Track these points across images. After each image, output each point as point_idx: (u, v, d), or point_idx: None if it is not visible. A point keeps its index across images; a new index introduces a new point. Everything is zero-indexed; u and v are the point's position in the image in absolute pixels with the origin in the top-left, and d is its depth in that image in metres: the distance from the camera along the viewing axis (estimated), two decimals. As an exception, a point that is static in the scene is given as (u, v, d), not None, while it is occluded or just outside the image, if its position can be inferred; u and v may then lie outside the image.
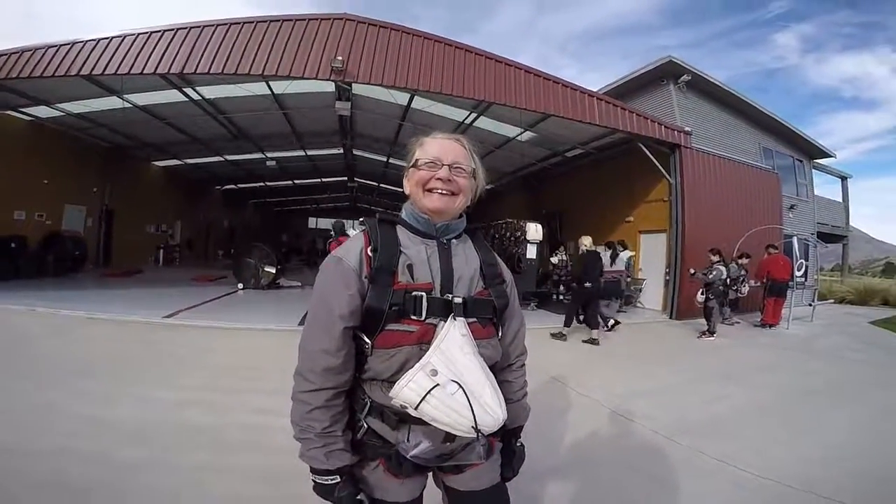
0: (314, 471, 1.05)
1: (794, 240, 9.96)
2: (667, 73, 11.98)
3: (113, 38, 7.38)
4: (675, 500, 2.53)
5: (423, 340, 1.02)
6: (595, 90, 10.00)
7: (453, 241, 1.16)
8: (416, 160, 1.14)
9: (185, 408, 3.45)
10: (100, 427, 3.01)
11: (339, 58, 7.52)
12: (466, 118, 10.99)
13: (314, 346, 1.04)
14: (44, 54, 7.38)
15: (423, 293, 1.03)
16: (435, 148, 1.14)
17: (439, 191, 1.10)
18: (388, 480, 1.09)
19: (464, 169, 1.13)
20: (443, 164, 1.11)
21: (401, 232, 1.12)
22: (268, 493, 2.39)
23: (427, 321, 1.03)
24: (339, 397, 1.06)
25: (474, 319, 1.09)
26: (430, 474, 1.21)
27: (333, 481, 1.04)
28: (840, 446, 3.39)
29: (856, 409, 4.35)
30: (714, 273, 7.79)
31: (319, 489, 1.06)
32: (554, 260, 12.03)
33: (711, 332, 7.70)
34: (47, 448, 2.67)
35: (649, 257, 10.98)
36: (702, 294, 7.90)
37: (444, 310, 1.04)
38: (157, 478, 2.45)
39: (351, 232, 9.25)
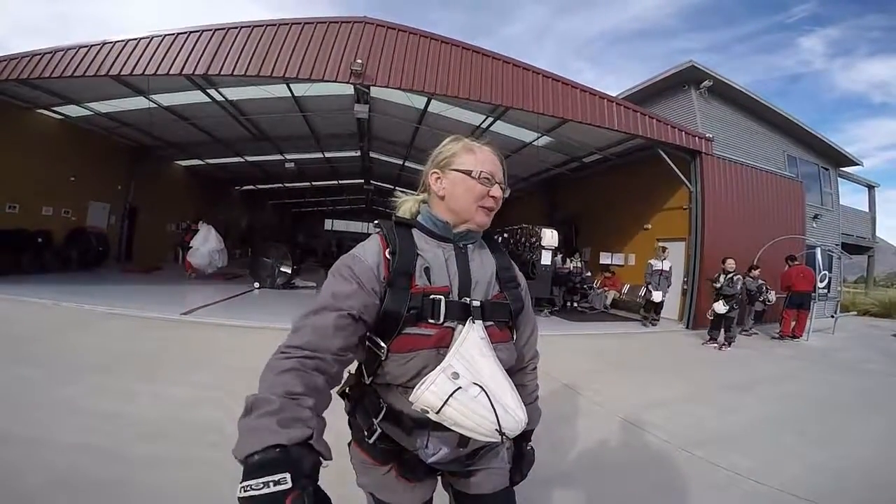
0: (247, 460, 0.68)
1: (818, 250, 9.71)
2: (688, 79, 11.81)
3: (141, 39, 7.60)
4: (688, 512, 2.48)
5: (441, 344, 1.01)
6: (614, 95, 9.91)
7: (469, 245, 1.14)
8: (474, 171, 1.10)
9: (199, 405, 3.50)
10: (116, 423, 3.06)
11: (359, 61, 7.60)
12: (483, 122, 10.99)
13: (311, 325, 0.93)
14: (75, 54, 7.64)
15: (442, 296, 1.02)
16: (488, 162, 1.13)
17: (491, 207, 1.12)
18: (399, 485, 1.09)
19: (504, 189, 1.15)
20: (495, 182, 1.11)
21: (417, 235, 1.11)
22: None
23: (445, 325, 1.02)
24: (321, 373, 0.87)
25: (491, 323, 1.08)
26: (439, 478, 1.21)
27: (280, 486, 0.64)
28: (856, 459, 3.31)
29: (873, 421, 4.24)
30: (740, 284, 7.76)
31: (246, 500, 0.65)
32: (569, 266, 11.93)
33: (714, 339, 7.77)
34: (66, 442, 2.72)
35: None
36: (724, 305, 7.64)
37: (461, 313, 1.03)
38: (170, 475, 2.48)
39: (201, 225, 11.08)
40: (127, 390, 3.68)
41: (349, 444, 1.17)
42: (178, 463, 2.61)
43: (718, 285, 7.74)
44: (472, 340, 1.00)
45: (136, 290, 8.84)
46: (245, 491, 0.64)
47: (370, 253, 1.05)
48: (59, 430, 2.88)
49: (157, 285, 10.02)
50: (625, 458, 3.17)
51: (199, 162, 16.97)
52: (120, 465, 2.53)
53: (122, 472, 2.46)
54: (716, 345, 7.66)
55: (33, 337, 5.02)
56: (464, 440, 1.02)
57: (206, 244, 11.29)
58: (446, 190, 1.12)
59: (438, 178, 1.14)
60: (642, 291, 9.81)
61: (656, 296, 9.33)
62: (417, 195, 1.22)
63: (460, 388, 0.93)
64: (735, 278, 7.76)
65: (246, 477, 0.66)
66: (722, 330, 7.71)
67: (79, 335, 5.29)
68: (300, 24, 7.91)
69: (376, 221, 1.15)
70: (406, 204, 1.21)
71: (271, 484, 0.64)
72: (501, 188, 1.13)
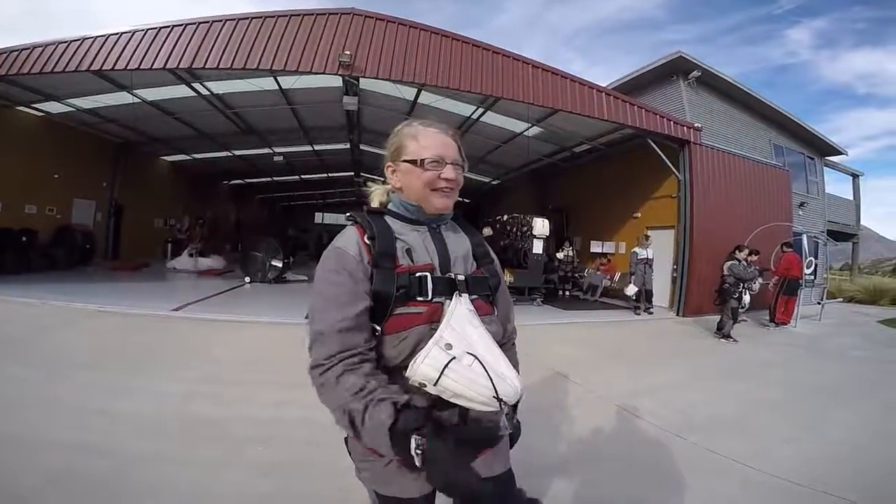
0: (396, 453, 0.88)
1: (804, 237, 9.84)
2: (676, 69, 11.86)
3: (122, 33, 7.41)
4: (682, 497, 2.52)
5: (433, 320, 1.03)
6: (603, 85, 9.92)
7: (442, 226, 1.18)
8: (423, 160, 1.11)
9: (192, 400, 3.49)
10: (109, 419, 3.05)
11: (347, 52, 7.51)
12: (473, 113, 10.95)
13: (330, 326, 0.98)
14: (54, 50, 7.43)
15: (427, 273, 1.05)
16: (435, 144, 1.12)
17: (444, 190, 1.12)
18: (401, 475, 1.06)
19: (461, 166, 1.16)
20: (446, 163, 1.11)
21: (390, 221, 1.13)
22: (274, 486, 2.40)
23: (433, 301, 1.04)
24: (364, 363, 0.98)
25: (476, 297, 1.11)
26: None
27: (423, 444, 0.86)
28: (847, 443, 3.38)
29: (862, 406, 4.32)
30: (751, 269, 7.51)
31: (398, 444, 0.88)
32: (560, 255, 12.00)
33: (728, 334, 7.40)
34: (59, 440, 2.71)
35: (656, 253, 10.88)
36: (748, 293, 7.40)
37: (448, 288, 1.07)
38: (164, 471, 2.48)
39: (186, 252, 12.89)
40: (119, 387, 3.65)
41: (346, 440, 1.16)
42: (174, 458, 2.60)
43: (744, 277, 7.29)
44: (460, 312, 1.02)
45: (125, 288, 8.73)
46: (418, 457, 0.85)
47: (351, 242, 1.07)
48: (53, 428, 2.86)
49: (146, 282, 9.91)
50: (621, 446, 3.22)
51: (186, 157, 16.72)
52: (115, 461, 2.52)
53: (117, 468, 2.45)
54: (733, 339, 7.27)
55: (22, 336, 4.95)
56: (462, 419, 1.04)
57: (182, 265, 12.79)
58: (401, 181, 1.16)
59: (393, 170, 1.17)
60: (629, 281, 9.86)
61: (630, 289, 9.42)
62: (385, 184, 1.24)
63: (455, 357, 0.94)
64: (751, 268, 7.51)
65: (407, 450, 0.86)
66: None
67: (68, 333, 5.23)
68: (286, 16, 7.78)
69: (349, 214, 1.16)
70: (376, 194, 1.25)
71: (420, 447, 0.85)
72: (456, 166, 1.13)
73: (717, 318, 7.58)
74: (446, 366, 0.93)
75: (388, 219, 1.14)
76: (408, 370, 0.96)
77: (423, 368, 0.94)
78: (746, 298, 7.33)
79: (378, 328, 1.03)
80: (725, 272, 7.45)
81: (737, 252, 7.61)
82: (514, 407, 1.27)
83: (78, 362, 4.21)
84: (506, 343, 1.29)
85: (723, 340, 7.23)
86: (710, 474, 2.79)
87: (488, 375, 0.94)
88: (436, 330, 1.00)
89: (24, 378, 3.71)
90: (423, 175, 1.11)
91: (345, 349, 0.97)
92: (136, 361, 4.39)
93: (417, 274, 1.04)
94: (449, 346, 0.95)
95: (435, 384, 0.93)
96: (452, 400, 0.96)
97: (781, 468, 2.86)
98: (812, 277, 10.02)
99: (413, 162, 1.12)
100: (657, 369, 5.40)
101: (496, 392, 0.93)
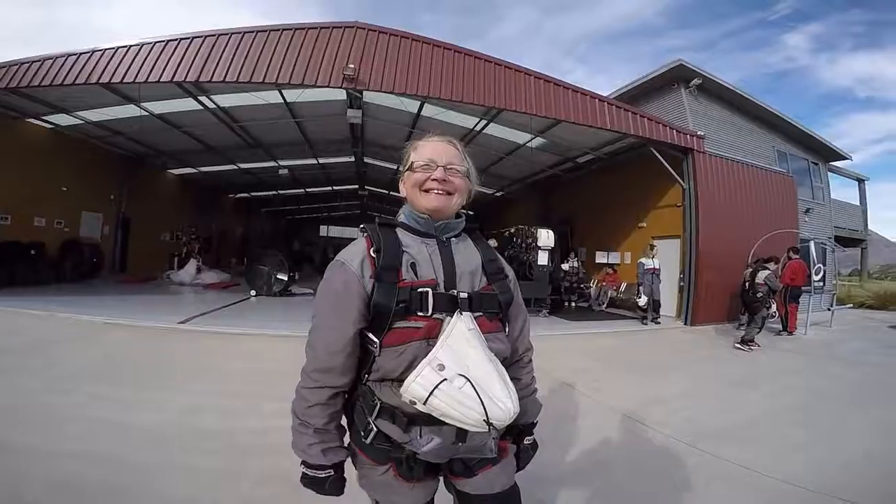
0: (307, 465, 1.10)
1: (812, 244, 9.76)
2: (677, 77, 11.91)
3: (130, 46, 7.53)
4: (695, 505, 2.47)
5: (430, 336, 1.04)
6: (605, 95, 9.96)
7: (453, 239, 1.18)
8: (412, 163, 1.17)
9: (199, 413, 3.47)
10: (116, 431, 3.03)
11: (351, 65, 7.58)
12: (476, 125, 11.00)
13: (319, 347, 1.08)
14: (63, 62, 7.55)
15: (429, 289, 1.05)
16: (429, 150, 1.18)
17: (436, 191, 1.14)
18: (398, 485, 1.09)
19: (458, 169, 1.17)
20: (437, 166, 1.14)
21: (401, 233, 1.15)
22: (280, 497, 2.37)
23: (433, 317, 1.05)
24: (337, 397, 1.11)
25: (481, 314, 1.11)
26: (441, 479, 1.20)
27: (326, 475, 1.10)
28: (861, 451, 3.30)
29: (877, 413, 4.24)
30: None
31: (309, 481, 1.11)
32: (565, 266, 11.95)
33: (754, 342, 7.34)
34: (64, 451, 2.69)
35: (663, 263, 10.80)
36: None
37: (449, 305, 1.06)
38: (171, 482, 2.46)
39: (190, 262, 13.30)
40: (126, 398, 3.64)
41: (348, 445, 1.17)
42: (179, 470, 2.58)
43: (777, 288, 7.57)
44: (459, 332, 1.02)
45: (133, 301, 8.75)
46: (306, 474, 1.11)
47: (355, 255, 1.09)
48: (60, 438, 2.86)
49: (153, 295, 9.94)
50: (632, 455, 3.16)
51: (192, 170, 16.87)
52: (121, 472, 2.50)
53: (123, 479, 2.43)
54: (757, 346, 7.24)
55: (30, 348, 4.97)
56: (461, 434, 1.03)
57: (179, 276, 13.26)
58: (406, 191, 1.21)
59: (403, 182, 1.23)
60: (637, 292, 9.75)
61: (642, 300, 9.31)
62: None
63: (445, 379, 0.95)
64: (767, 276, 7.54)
65: (306, 467, 1.11)
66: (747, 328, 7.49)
67: (76, 345, 5.24)
68: (291, 29, 7.89)
69: (362, 225, 1.19)
70: (402, 211, 1.27)
71: (321, 473, 1.10)
72: (450, 169, 1.15)
73: (724, 326, 7.54)
74: (436, 387, 0.94)
75: (399, 231, 1.15)
76: (402, 387, 0.98)
77: (414, 387, 0.95)
78: (774, 308, 7.54)
79: (376, 340, 1.05)
80: (760, 282, 7.45)
81: (771, 264, 7.68)
82: (531, 426, 1.29)
83: (85, 374, 4.21)
84: (517, 361, 1.29)
85: (737, 346, 7.20)
86: (722, 483, 2.73)
87: (479, 399, 0.93)
88: (432, 346, 1.01)
89: (32, 389, 3.70)
90: (412, 176, 1.16)
91: (325, 385, 1.08)
92: (143, 374, 4.38)
93: (419, 289, 1.05)
94: (441, 367, 0.96)
95: (424, 403, 0.95)
96: (442, 419, 0.97)
97: (795, 476, 2.79)
98: (821, 284, 9.89)
99: (409, 169, 1.17)
100: (667, 378, 5.33)
101: (486, 415, 0.93)
